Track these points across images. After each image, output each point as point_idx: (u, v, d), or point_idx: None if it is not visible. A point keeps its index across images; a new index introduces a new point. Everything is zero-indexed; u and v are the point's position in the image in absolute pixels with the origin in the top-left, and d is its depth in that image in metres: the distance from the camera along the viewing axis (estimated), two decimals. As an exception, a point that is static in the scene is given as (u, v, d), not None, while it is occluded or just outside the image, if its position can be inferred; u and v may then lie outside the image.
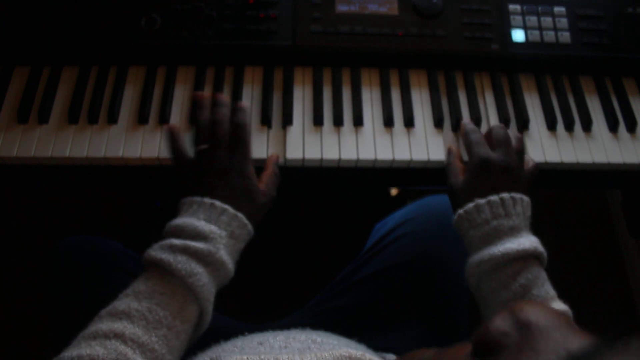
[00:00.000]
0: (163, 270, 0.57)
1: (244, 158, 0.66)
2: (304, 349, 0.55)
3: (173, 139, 0.68)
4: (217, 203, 0.62)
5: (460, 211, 0.66)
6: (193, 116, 0.69)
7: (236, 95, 0.76)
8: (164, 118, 0.75)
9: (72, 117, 0.74)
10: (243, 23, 0.78)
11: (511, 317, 0.29)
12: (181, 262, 0.57)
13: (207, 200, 0.62)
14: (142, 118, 0.74)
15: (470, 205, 0.65)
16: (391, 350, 0.66)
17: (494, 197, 0.64)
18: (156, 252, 0.58)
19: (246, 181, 0.66)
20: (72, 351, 0.51)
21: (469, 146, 0.70)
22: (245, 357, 0.50)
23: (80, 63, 0.78)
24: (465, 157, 0.73)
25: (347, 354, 0.50)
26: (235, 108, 0.69)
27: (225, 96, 0.70)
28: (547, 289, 0.62)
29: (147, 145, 0.73)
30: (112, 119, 0.74)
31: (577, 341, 0.27)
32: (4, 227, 1.41)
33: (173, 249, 0.58)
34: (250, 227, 0.64)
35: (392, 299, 0.79)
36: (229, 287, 0.64)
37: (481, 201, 0.64)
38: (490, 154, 0.68)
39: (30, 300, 1.25)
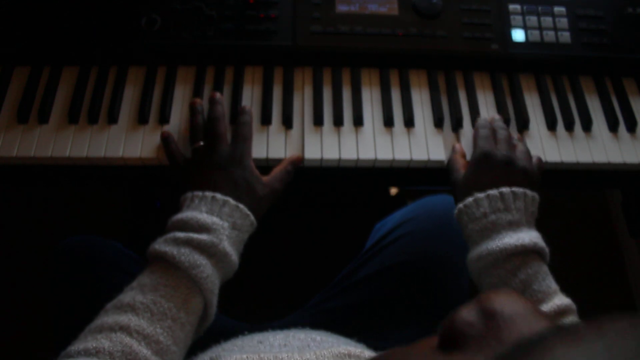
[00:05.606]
0: (167, 263, 0.58)
1: (244, 152, 0.68)
2: (303, 347, 0.56)
3: (167, 143, 0.71)
4: (218, 196, 0.63)
5: (460, 205, 0.66)
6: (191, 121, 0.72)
7: (236, 95, 0.76)
8: (164, 118, 0.75)
9: (72, 117, 0.74)
10: (243, 23, 0.78)
11: (477, 307, 0.29)
12: (185, 254, 0.57)
13: (209, 193, 0.63)
14: (142, 118, 0.74)
15: (470, 199, 0.65)
16: (391, 350, 0.65)
17: (493, 192, 0.64)
18: (160, 245, 0.59)
19: (247, 173, 0.67)
20: (78, 345, 0.51)
21: (475, 139, 0.71)
22: (245, 356, 0.50)
23: (80, 63, 0.78)
24: (469, 156, 0.73)
25: (346, 352, 0.50)
26: (239, 110, 0.72)
27: (220, 95, 0.73)
28: (548, 283, 0.61)
29: (147, 145, 0.73)
30: (112, 119, 0.74)
31: (541, 328, 0.26)
32: (5, 227, 1.41)
33: (177, 241, 0.59)
34: (252, 217, 0.64)
35: (392, 298, 0.79)
36: (228, 286, 0.64)
37: (480, 195, 0.65)
38: (493, 148, 0.69)
39: (31, 300, 1.25)
